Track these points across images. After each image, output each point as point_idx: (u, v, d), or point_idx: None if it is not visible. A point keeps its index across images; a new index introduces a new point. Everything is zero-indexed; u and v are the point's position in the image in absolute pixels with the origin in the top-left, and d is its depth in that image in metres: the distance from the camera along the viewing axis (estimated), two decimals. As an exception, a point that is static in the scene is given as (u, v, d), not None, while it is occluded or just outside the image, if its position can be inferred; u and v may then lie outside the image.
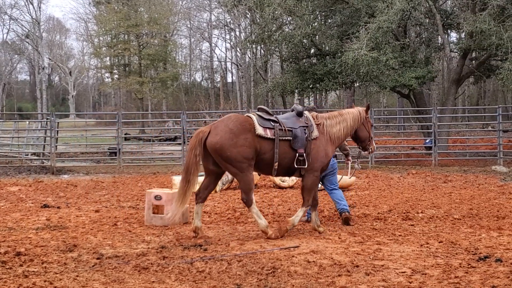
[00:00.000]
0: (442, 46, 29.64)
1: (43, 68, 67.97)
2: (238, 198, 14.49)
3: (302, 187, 10.37)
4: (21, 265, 8.02)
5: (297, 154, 10.01)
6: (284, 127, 10.01)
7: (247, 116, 10.17)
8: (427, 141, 26.53)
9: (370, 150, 11.60)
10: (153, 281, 7.21)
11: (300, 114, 10.42)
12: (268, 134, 9.86)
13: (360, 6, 25.27)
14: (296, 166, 10.05)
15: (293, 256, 8.41)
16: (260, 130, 9.80)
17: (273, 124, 10.00)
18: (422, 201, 14.18)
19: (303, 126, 10.20)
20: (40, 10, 66.73)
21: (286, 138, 9.98)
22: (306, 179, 10.22)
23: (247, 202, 9.82)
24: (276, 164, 9.91)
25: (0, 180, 19.71)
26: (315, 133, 10.30)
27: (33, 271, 7.71)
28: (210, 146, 9.71)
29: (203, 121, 38.84)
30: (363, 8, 25.35)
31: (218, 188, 16.32)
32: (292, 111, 10.63)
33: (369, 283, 7.07)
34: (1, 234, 10.29)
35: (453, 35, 46.44)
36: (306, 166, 10.08)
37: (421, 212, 12.51)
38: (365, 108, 11.15)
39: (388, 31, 24.26)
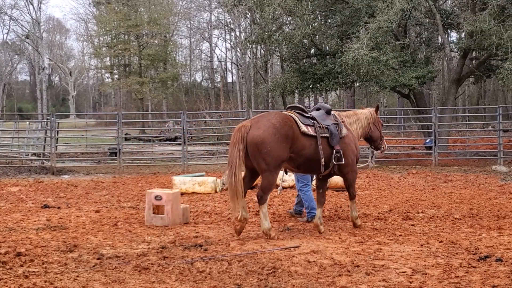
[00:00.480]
0: (442, 46, 29.63)
1: (43, 69, 67.99)
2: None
3: (346, 183, 10.93)
4: (21, 266, 8.02)
5: (334, 151, 10.29)
6: (321, 124, 10.27)
7: (287, 113, 10.31)
8: (427, 141, 26.52)
9: (383, 149, 11.88)
10: (153, 281, 7.21)
11: (329, 112, 10.72)
12: (310, 131, 10.08)
13: (360, 6, 25.26)
14: (334, 162, 10.35)
15: (293, 256, 8.41)
16: (303, 128, 10.00)
17: (312, 121, 10.24)
18: (423, 201, 14.18)
19: (334, 124, 10.49)
20: (40, 11, 66.81)
21: (325, 135, 10.25)
22: (347, 175, 10.76)
23: (261, 200, 9.88)
24: (323, 160, 10.17)
25: (1, 181, 19.71)
26: (344, 130, 10.64)
27: (34, 271, 7.72)
28: (252, 139, 9.71)
29: (203, 121, 38.87)
30: (363, 8, 25.34)
31: (218, 188, 16.35)
32: (317, 109, 10.83)
33: (370, 283, 7.07)
34: (1, 234, 10.30)
35: (453, 35, 46.42)
36: (343, 162, 10.39)
37: (422, 212, 12.52)
38: (374, 109, 11.59)
39: (388, 31, 24.25)
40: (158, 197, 11.19)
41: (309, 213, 11.67)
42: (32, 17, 66.55)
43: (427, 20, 29.25)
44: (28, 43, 73.52)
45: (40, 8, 66.64)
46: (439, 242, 9.39)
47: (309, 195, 11.79)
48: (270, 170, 9.78)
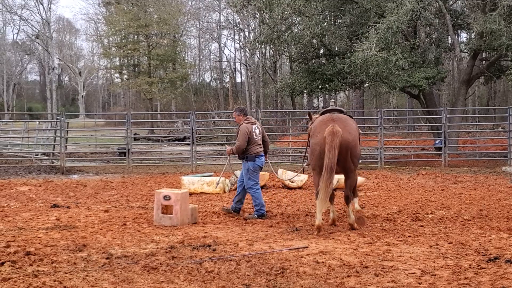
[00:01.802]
0: (452, 47, 29.55)
1: (53, 69, 68.21)
2: (247, 199, 14.48)
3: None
4: (31, 265, 8.04)
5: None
6: None
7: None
8: (437, 141, 26.43)
9: None
10: (162, 281, 7.22)
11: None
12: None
13: (369, 6, 25.21)
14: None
15: (302, 257, 8.40)
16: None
17: None
18: (432, 202, 14.13)
19: None
20: (50, 11, 67.12)
21: None
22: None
23: (349, 199, 10.70)
24: None
25: (11, 180, 19.78)
26: None
27: (43, 270, 7.73)
28: (346, 143, 10.37)
29: (212, 121, 38.88)
30: (372, 8, 25.29)
31: (226, 188, 16.35)
32: (333, 111, 11.30)
33: (378, 284, 7.05)
34: (11, 233, 10.33)
35: (463, 36, 46.31)
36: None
37: (431, 213, 12.48)
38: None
39: (398, 31, 24.19)
40: (167, 197, 11.20)
41: (259, 210, 12.15)
42: (42, 17, 66.84)
43: (437, 21, 29.15)
44: (38, 43, 73.82)
45: (50, 8, 66.99)
46: (449, 243, 9.35)
47: (259, 193, 12.26)
48: (355, 168, 10.88)
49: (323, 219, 10.53)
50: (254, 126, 12.23)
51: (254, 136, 12.13)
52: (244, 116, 12.35)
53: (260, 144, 12.30)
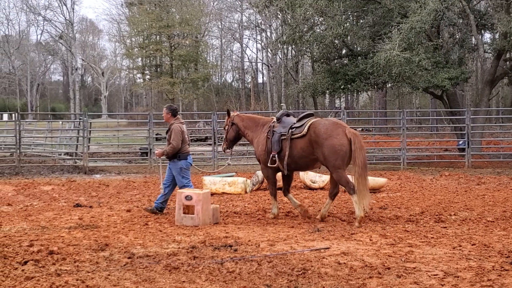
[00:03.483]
0: (476, 47, 29.30)
1: (76, 69, 68.74)
2: (268, 199, 14.49)
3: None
4: (53, 264, 8.10)
5: None
6: None
7: None
8: (460, 142, 26.25)
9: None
10: (183, 281, 7.23)
11: None
12: None
13: (392, 6, 25.07)
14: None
15: (323, 258, 8.37)
16: None
17: None
18: (455, 203, 14.03)
19: None
20: (73, 12, 67.51)
21: None
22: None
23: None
24: None
25: (34, 180, 19.95)
26: None
27: (66, 269, 7.78)
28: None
29: (234, 121, 38.83)
30: (395, 8, 25.15)
31: (248, 189, 16.35)
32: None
33: (401, 286, 7.01)
34: (34, 233, 10.41)
35: (487, 36, 45.95)
36: None
37: (454, 214, 12.38)
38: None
39: (421, 32, 24.04)
40: (188, 197, 11.23)
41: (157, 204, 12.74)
42: (65, 18, 67.29)
43: (461, 21, 28.93)
44: (61, 43, 74.36)
45: (73, 9, 67.39)
46: (472, 244, 9.27)
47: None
48: None
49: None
50: (184, 125, 12.74)
51: (186, 136, 12.64)
52: (173, 116, 12.70)
53: (188, 143, 12.99)
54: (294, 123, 11.97)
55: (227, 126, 12.99)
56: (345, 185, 11.49)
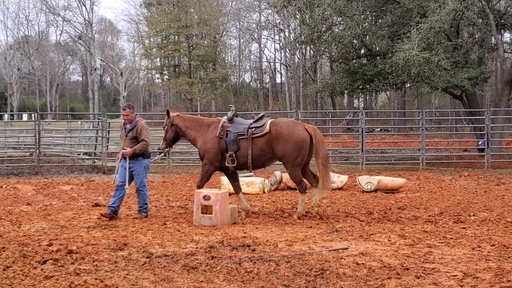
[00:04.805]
0: (495, 47, 29.12)
1: (95, 69, 69.05)
2: (286, 199, 14.48)
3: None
4: (72, 263, 8.14)
5: None
6: None
7: None
8: (479, 142, 26.09)
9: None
10: (201, 281, 7.24)
11: None
12: None
13: (411, 6, 24.98)
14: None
15: (341, 258, 8.34)
16: None
17: None
18: (474, 204, 13.94)
19: None
20: (92, 12, 67.76)
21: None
22: None
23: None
24: None
25: (53, 179, 20.08)
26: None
27: (84, 269, 7.82)
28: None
29: (252, 121, 38.83)
30: (414, 8, 25.04)
31: (266, 189, 16.35)
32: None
33: (419, 286, 6.97)
34: (53, 232, 10.47)
35: (507, 36, 45.55)
36: None
37: (473, 215, 12.31)
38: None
39: (440, 31, 23.92)
40: (206, 197, 11.24)
41: (146, 208, 12.60)
42: (84, 19, 67.58)
43: (480, 21, 28.75)
44: (80, 44, 74.71)
45: (92, 9, 67.64)
46: (491, 245, 9.20)
47: (147, 192, 12.73)
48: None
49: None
50: None
51: None
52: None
53: None
54: (251, 123, 12.28)
55: (166, 127, 13.08)
56: (298, 183, 12.17)
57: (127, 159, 12.09)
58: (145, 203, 12.54)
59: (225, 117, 12.67)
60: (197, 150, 12.96)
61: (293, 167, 12.04)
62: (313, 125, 12.57)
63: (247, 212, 12.53)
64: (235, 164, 12.26)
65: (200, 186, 12.48)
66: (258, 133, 12.09)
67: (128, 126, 12.41)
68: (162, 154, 13.57)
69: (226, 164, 12.30)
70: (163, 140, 13.20)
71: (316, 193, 12.21)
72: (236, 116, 12.64)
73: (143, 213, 12.46)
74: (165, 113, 13.35)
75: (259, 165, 12.56)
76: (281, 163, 12.66)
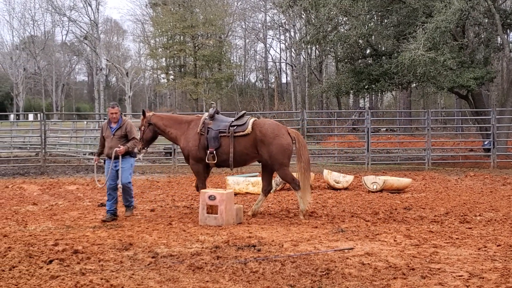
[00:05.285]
0: (501, 46, 29.03)
1: (101, 69, 69.15)
2: (292, 199, 14.48)
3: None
4: (78, 263, 8.15)
5: None
6: None
7: None
8: (485, 142, 26.03)
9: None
10: (207, 281, 7.24)
11: None
12: None
13: (417, 5, 24.93)
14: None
15: (347, 258, 8.33)
16: None
17: None
18: (480, 204, 13.92)
19: None
20: (98, 12, 67.91)
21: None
22: None
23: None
24: None
25: (59, 179, 20.11)
26: None
27: (90, 268, 7.83)
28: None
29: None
30: (420, 8, 25.00)
31: (272, 189, 16.31)
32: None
33: (425, 287, 6.96)
34: (59, 232, 10.49)
35: (513, 35, 45.42)
36: None
37: (479, 215, 12.28)
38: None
39: (446, 31, 23.86)
40: (212, 197, 11.24)
41: (132, 203, 12.61)
42: (90, 19, 67.71)
43: (486, 20, 28.67)
44: (86, 44, 74.88)
45: (98, 9, 67.79)
46: (497, 245, 9.18)
47: (132, 188, 12.68)
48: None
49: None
50: None
51: None
52: None
53: None
54: (233, 121, 12.39)
55: (143, 127, 12.93)
56: (290, 182, 12.34)
57: (120, 157, 11.92)
58: (131, 197, 12.50)
59: (206, 114, 12.70)
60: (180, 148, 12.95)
61: (282, 167, 12.24)
62: (296, 130, 12.91)
63: None
64: (215, 161, 12.32)
65: (201, 187, 12.50)
66: (240, 131, 12.24)
67: (115, 125, 12.20)
68: (142, 155, 13.24)
69: (207, 161, 12.31)
70: (140, 141, 12.81)
71: (261, 200, 12.67)
72: (218, 113, 12.70)
73: (132, 207, 12.57)
74: (141, 113, 13.14)
75: (241, 163, 12.83)
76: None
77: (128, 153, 12.13)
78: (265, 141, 12.07)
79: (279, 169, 12.25)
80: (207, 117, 12.54)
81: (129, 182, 12.33)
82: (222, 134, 12.28)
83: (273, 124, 12.57)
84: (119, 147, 11.87)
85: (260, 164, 12.94)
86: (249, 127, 12.19)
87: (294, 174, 12.43)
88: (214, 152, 12.22)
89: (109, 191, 12.17)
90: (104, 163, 12.44)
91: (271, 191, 16.16)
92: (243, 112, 12.83)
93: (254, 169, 22.31)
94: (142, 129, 12.95)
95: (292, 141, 12.27)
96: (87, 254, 8.62)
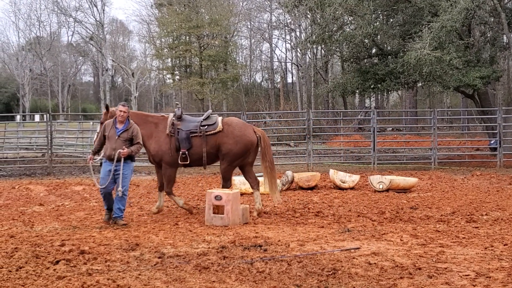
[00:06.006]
0: (507, 45, 28.94)
1: (107, 70, 69.21)
2: (298, 199, 14.48)
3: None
4: (85, 263, 8.17)
5: None
6: None
7: None
8: (492, 142, 25.97)
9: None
10: (213, 281, 7.24)
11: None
12: None
13: (423, 5, 24.89)
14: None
15: (353, 258, 8.33)
16: None
17: None
18: (487, 203, 13.89)
19: None
20: (103, 13, 67.92)
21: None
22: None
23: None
24: None
25: (65, 180, 20.15)
26: None
27: (97, 269, 7.84)
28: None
29: (263, 121, 38.86)
30: (426, 7, 24.96)
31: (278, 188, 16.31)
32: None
33: (432, 286, 6.95)
34: (66, 232, 10.51)
35: (519, 34, 45.27)
36: None
37: (486, 214, 12.26)
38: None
39: (452, 30, 23.82)
40: (218, 197, 11.24)
41: (122, 214, 11.53)
42: (96, 19, 67.75)
43: (492, 19, 28.60)
44: (92, 44, 74.92)
45: (103, 10, 67.79)
46: (504, 245, 9.17)
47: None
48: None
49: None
50: None
51: None
52: None
53: None
54: (202, 121, 12.45)
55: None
56: (226, 181, 12.66)
57: (122, 161, 11.33)
58: (124, 206, 11.58)
59: (171, 114, 12.61)
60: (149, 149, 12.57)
61: (230, 165, 12.55)
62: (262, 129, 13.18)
63: (159, 209, 12.80)
64: (187, 162, 12.32)
65: (169, 192, 12.59)
66: (211, 130, 12.35)
67: (121, 127, 11.52)
68: (102, 155, 12.67)
69: (179, 162, 12.26)
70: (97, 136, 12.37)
71: (258, 196, 12.71)
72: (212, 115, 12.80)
73: (123, 220, 11.51)
74: (105, 108, 12.69)
75: (210, 162, 12.80)
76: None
77: (130, 157, 11.55)
78: (230, 138, 12.38)
79: (227, 165, 12.49)
80: (174, 118, 12.41)
81: (127, 190, 11.69)
82: (193, 135, 12.32)
83: (240, 122, 12.90)
84: (123, 149, 11.32)
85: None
86: (220, 125, 12.38)
87: (258, 174, 13.26)
88: (186, 152, 12.21)
89: (107, 195, 11.58)
90: (101, 165, 11.86)
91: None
92: (210, 111, 13.01)
93: (260, 169, 22.29)
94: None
95: (256, 140, 12.57)
96: (93, 254, 8.64)
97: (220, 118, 12.58)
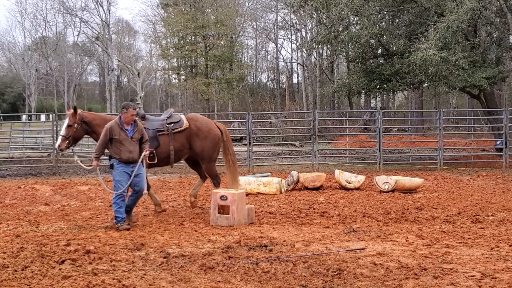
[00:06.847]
0: (513, 46, 28.91)
1: (112, 70, 69.27)
2: (303, 199, 14.47)
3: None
4: (90, 263, 8.17)
5: None
6: None
7: None
8: (498, 142, 25.92)
9: None
10: (218, 281, 7.24)
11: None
12: None
13: (428, 5, 24.86)
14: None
15: (359, 258, 8.32)
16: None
17: None
18: (493, 204, 13.85)
19: None
20: (109, 13, 68.00)
21: None
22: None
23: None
24: None
25: (71, 180, 20.18)
26: None
27: (102, 269, 7.85)
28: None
29: (268, 122, 38.87)
30: (432, 7, 24.93)
31: (283, 189, 16.32)
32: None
33: (437, 287, 6.93)
34: (71, 232, 10.53)
35: (525, 34, 45.18)
36: None
37: (492, 215, 12.23)
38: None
39: (458, 31, 23.77)
40: (223, 197, 11.24)
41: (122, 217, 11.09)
42: (101, 19, 67.85)
43: (498, 20, 28.54)
44: (98, 44, 75.00)
45: (109, 10, 67.88)
46: (510, 245, 9.14)
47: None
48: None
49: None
50: None
51: None
52: None
53: None
54: (167, 119, 12.55)
55: (76, 124, 12.20)
56: (213, 177, 13.04)
57: (144, 162, 11.24)
58: (123, 211, 11.07)
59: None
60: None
61: (210, 162, 12.90)
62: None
63: (159, 206, 13.06)
64: (155, 161, 12.25)
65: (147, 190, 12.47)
66: (177, 128, 12.46)
67: (129, 128, 11.17)
68: (77, 157, 12.55)
69: (148, 161, 11.95)
70: (64, 139, 12.25)
71: (199, 184, 13.47)
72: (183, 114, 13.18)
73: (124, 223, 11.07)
74: (73, 110, 12.44)
75: (177, 160, 12.91)
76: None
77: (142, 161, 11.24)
78: (199, 135, 12.59)
79: (207, 163, 12.83)
80: (137, 118, 11.76)
81: (143, 190, 11.45)
82: (160, 133, 12.35)
83: (204, 118, 13.28)
84: (144, 151, 11.13)
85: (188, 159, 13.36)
86: (185, 122, 12.54)
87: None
88: (154, 152, 12.16)
89: (123, 198, 11.13)
90: (112, 167, 11.41)
91: (282, 192, 16.18)
92: (171, 109, 13.09)
93: (265, 169, 22.33)
94: (76, 126, 12.23)
95: (220, 134, 12.96)
96: (99, 254, 8.65)
97: (183, 116, 12.85)
